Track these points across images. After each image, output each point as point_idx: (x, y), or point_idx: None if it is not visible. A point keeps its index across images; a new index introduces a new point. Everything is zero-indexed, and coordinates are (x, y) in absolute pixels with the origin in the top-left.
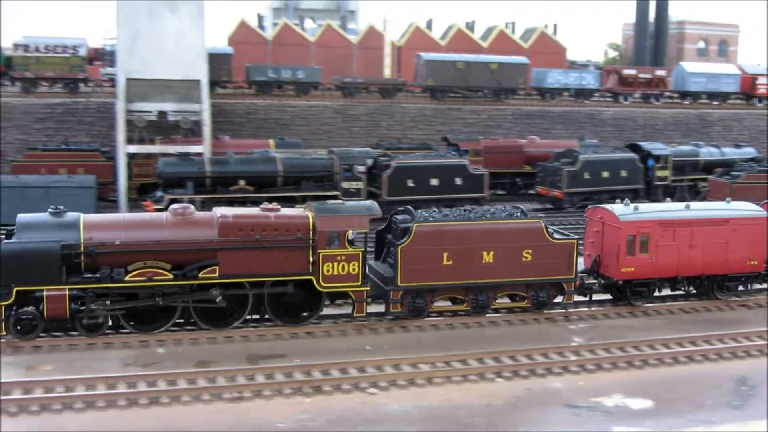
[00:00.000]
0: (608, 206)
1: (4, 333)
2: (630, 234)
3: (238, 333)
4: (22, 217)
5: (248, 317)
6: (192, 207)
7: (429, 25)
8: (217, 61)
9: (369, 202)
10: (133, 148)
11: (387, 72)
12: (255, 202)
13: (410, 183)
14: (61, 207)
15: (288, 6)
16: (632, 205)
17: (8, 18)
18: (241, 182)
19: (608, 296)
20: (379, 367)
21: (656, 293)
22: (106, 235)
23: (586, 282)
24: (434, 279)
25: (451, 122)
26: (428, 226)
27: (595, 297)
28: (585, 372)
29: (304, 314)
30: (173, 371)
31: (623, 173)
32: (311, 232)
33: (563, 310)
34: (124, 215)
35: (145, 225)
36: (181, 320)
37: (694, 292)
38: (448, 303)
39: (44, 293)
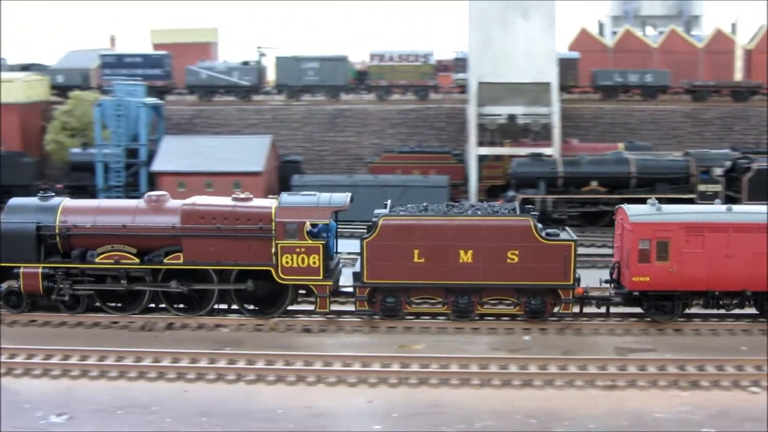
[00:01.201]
0: (627, 206)
1: None
2: (643, 237)
3: (603, 326)
4: (12, 201)
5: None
6: (167, 195)
7: None
8: (563, 65)
9: (342, 194)
10: (484, 150)
11: (737, 76)
12: (607, 204)
13: None
14: (51, 192)
15: (627, 13)
16: (657, 206)
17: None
18: (593, 183)
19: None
20: (758, 367)
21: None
22: (79, 219)
23: (589, 292)
24: (404, 277)
25: None
26: (395, 219)
27: None
28: None
29: (281, 307)
30: (543, 356)
31: None
32: (273, 223)
33: None
34: (100, 201)
35: (117, 211)
36: (152, 305)
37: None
38: None
39: (21, 270)
